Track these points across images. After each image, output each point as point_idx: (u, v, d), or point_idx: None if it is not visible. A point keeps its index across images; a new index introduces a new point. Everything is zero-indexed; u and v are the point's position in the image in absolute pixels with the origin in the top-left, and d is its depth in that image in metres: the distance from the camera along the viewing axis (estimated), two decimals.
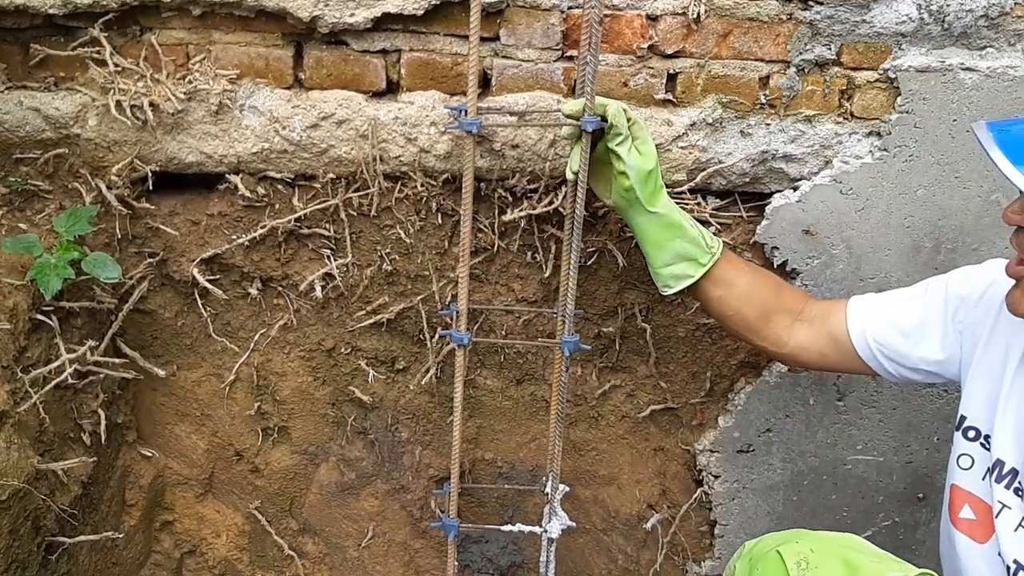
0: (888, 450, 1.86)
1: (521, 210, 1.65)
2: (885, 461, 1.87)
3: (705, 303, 1.56)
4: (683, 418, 1.90)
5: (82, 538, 1.60)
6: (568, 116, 1.42)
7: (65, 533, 1.58)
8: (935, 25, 1.57)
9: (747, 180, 1.67)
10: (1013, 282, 1.21)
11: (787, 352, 1.54)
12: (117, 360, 1.67)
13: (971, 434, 1.35)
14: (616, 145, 1.39)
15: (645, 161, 1.41)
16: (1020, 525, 1.26)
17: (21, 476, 1.42)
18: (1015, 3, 1.57)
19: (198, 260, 1.69)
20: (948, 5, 1.56)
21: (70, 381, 1.55)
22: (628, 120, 1.40)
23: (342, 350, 1.80)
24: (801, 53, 1.57)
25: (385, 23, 1.54)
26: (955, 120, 1.61)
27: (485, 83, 1.60)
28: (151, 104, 1.54)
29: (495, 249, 1.70)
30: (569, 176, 1.46)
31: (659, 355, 1.83)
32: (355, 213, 1.66)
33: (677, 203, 1.65)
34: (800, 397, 1.82)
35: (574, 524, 1.72)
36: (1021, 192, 1.11)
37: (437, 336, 1.75)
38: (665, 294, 1.54)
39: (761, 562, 1.27)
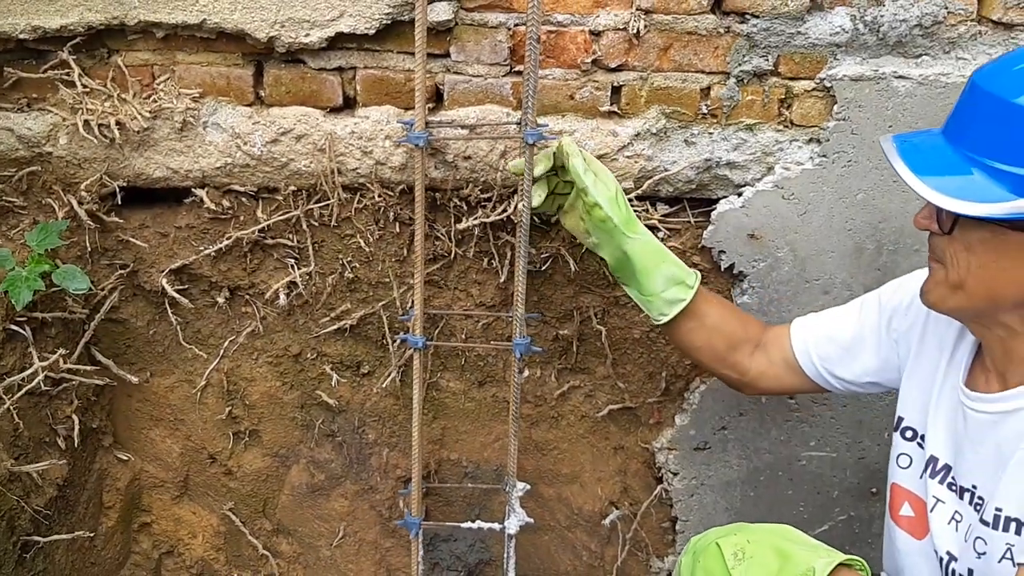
0: (841, 446, 1.92)
1: (476, 218, 1.72)
2: (838, 457, 1.93)
3: (676, 336, 1.60)
4: (641, 417, 1.96)
5: (56, 537, 1.67)
6: (514, 172, 1.50)
7: (40, 533, 1.65)
8: (871, 35, 1.63)
9: (693, 187, 1.73)
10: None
11: (748, 380, 1.59)
12: (90, 367, 1.74)
13: (908, 434, 1.41)
14: (579, 177, 1.45)
15: (608, 187, 1.47)
16: (952, 518, 1.32)
17: None
18: (948, 12, 1.63)
19: (167, 271, 1.76)
20: (882, 16, 1.62)
21: (43, 388, 1.62)
22: (584, 159, 1.48)
23: (308, 355, 1.87)
24: (740, 64, 1.64)
25: (340, 42, 1.61)
26: (891, 126, 1.67)
27: (438, 97, 1.67)
28: (118, 123, 1.62)
29: (452, 256, 1.77)
30: (536, 202, 1.51)
31: (616, 356, 1.89)
32: (316, 223, 1.73)
33: None
34: (753, 395, 1.88)
35: (532, 520, 1.78)
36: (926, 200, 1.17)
37: (398, 341, 1.82)
38: (660, 323, 1.55)
39: (703, 555, 1.33)
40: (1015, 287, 1.15)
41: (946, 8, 1.62)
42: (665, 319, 1.55)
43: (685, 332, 1.58)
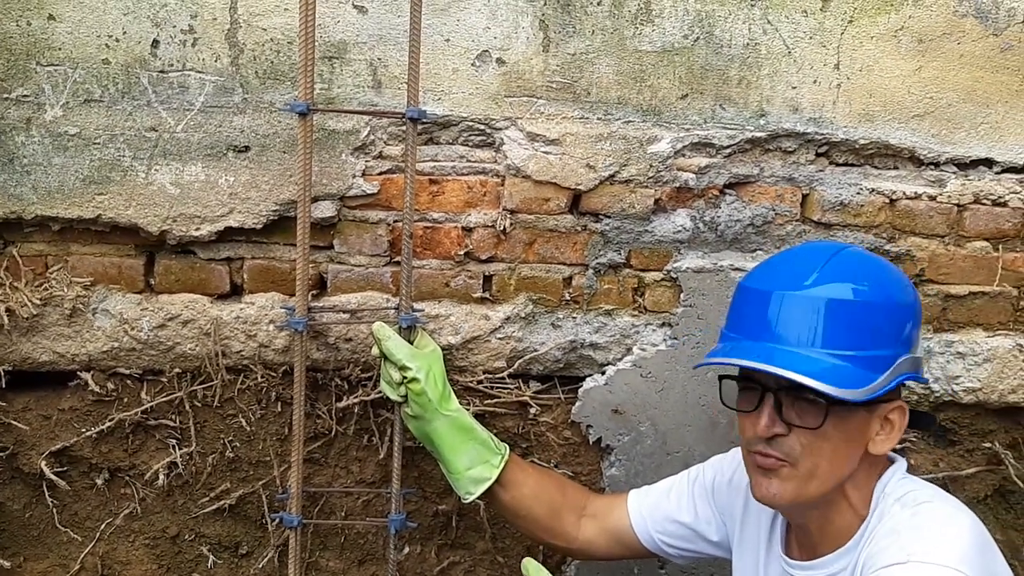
0: None
1: (356, 396, 1.81)
2: None
3: (499, 506, 1.68)
4: None
5: None
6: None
7: None
8: (710, 233, 1.84)
9: (561, 366, 1.87)
10: None
11: (576, 548, 1.67)
12: None
13: None
14: (392, 355, 1.57)
15: (427, 363, 1.59)
16: None
17: None
18: (776, 214, 1.86)
19: (47, 453, 1.77)
20: (719, 216, 1.84)
21: None
22: (416, 336, 1.65)
23: (186, 536, 1.87)
24: (596, 257, 1.82)
25: (229, 235, 1.73)
26: None
27: (322, 285, 1.80)
28: (7, 310, 1.68)
29: (333, 434, 1.84)
30: (396, 376, 1.60)
31: (495, 531, 1.95)
32: (199, 404, 1.79)
33: (499, 388, 1.85)
34: (625, 567, 1.96)
35: None
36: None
37: (276, 520, 1.85)
38: (467, 501, 1.63)
39: None
40: (853, 461, 1.27)
41: (774, 210, 1.85)
42: (471, 497, 1.62)
43: (505, 503, 1.65)
